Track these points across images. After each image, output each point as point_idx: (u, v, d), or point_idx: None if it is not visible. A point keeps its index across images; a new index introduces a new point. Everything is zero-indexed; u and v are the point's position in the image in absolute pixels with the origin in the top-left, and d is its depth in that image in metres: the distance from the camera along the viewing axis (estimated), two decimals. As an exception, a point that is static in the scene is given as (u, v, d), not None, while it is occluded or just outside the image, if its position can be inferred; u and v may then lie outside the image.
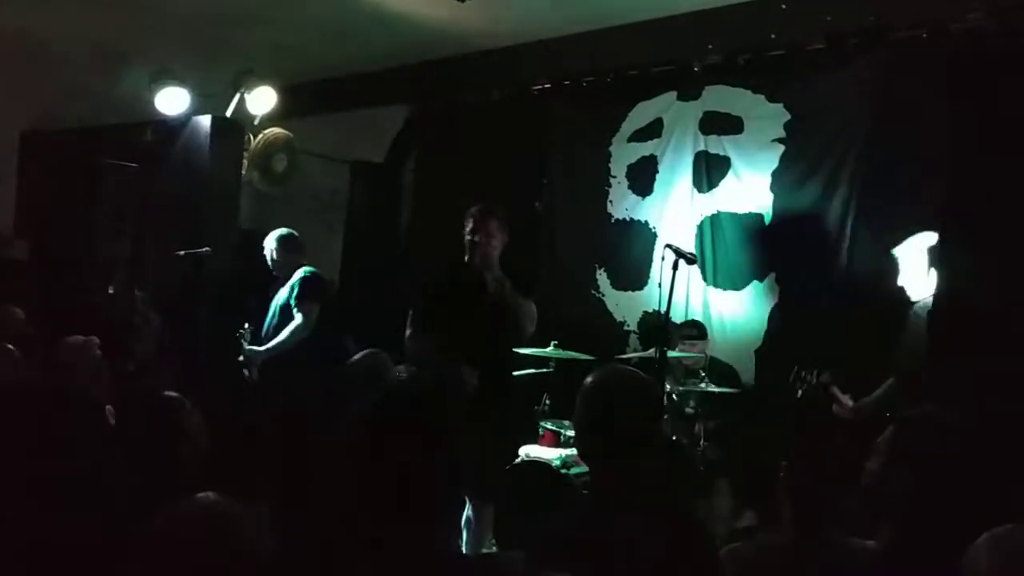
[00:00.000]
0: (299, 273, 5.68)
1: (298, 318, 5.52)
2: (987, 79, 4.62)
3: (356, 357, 4.09)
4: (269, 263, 5.84)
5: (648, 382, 2.29)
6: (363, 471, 1.82)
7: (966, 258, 4.67)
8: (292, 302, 5.58)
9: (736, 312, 5.65)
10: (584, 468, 4.33)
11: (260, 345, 5.60)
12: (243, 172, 6.81)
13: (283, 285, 5.74)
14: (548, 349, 5.26)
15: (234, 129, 6.70)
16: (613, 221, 6.33)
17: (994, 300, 4.42)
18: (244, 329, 5.58)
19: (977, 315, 4.46)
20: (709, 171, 5.83)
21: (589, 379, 2.26)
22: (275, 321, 5.67)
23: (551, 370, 5.44)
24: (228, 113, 6.64)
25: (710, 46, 5.61)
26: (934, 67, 4.88)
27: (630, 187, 6.24)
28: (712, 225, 5.80)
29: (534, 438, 5.30)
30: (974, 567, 1.68)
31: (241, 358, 5.52)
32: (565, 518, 2.49)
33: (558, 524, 2.37)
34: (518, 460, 5.00)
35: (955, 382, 4.24)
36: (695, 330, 5.46)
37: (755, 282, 5.57)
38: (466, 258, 4.68)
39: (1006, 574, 1.64)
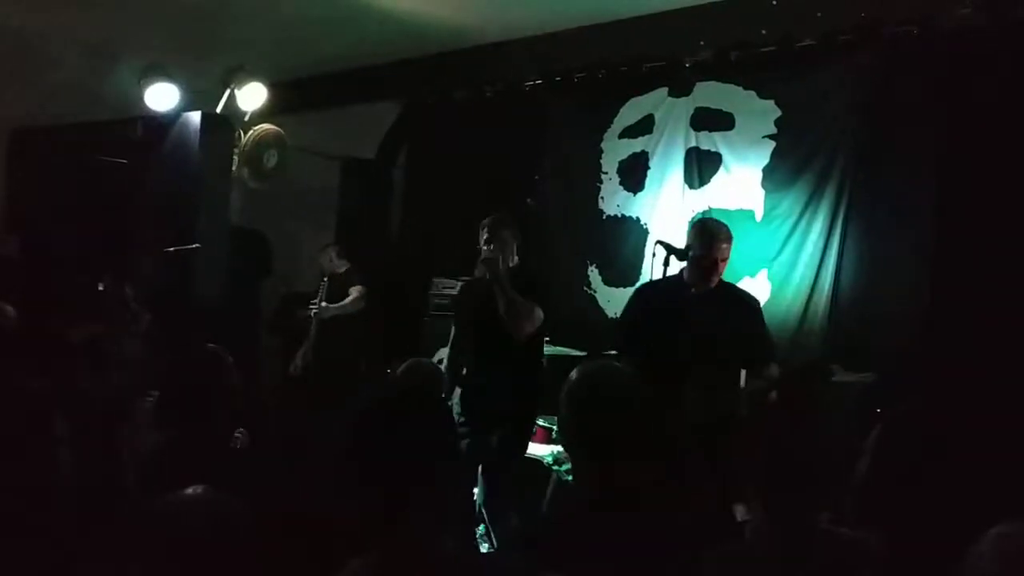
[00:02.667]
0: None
1: (353, 292, 6.74)
2: (977, 74, 4.63)
3: None
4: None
5: (631, 377, 2.28)
6: (360, 470, 1.81)
7: (957, 254, 4.69)
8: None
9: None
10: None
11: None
12: (233, 169, 6.78)
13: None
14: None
15: (224, 125, 6.65)
16: (604, 217, 6.32)
17: (985, 296, 4.44)
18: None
19: (969, 311, 4.48)
20: (700, 167, 5.83)
21: (572, 375, 2.25)
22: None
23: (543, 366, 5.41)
24: (218, 109, 6.60)
25: (701, 42, 5.61)
26: (925, 63, 4.89)
27: (621, 183, 6.24)
28: (703, 221, 5.79)
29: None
30: (978, 565, 1.65)
31: (313, 311, 6.66)
32: (558, 516, 2.49)
33: (552, 523, 2.36)
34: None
35: (945, 380, 4.25)
36: None
37: (746, 278, 5.56)
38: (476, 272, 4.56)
39: (1012, 573, 1.61)
